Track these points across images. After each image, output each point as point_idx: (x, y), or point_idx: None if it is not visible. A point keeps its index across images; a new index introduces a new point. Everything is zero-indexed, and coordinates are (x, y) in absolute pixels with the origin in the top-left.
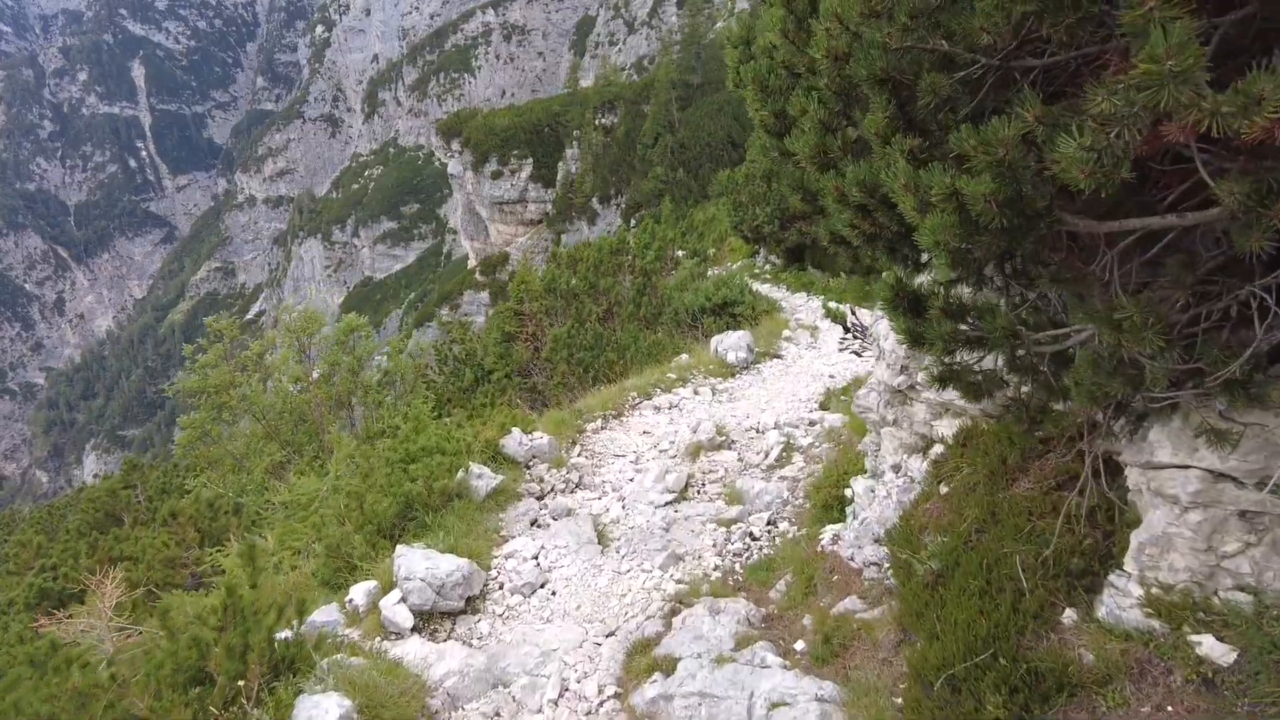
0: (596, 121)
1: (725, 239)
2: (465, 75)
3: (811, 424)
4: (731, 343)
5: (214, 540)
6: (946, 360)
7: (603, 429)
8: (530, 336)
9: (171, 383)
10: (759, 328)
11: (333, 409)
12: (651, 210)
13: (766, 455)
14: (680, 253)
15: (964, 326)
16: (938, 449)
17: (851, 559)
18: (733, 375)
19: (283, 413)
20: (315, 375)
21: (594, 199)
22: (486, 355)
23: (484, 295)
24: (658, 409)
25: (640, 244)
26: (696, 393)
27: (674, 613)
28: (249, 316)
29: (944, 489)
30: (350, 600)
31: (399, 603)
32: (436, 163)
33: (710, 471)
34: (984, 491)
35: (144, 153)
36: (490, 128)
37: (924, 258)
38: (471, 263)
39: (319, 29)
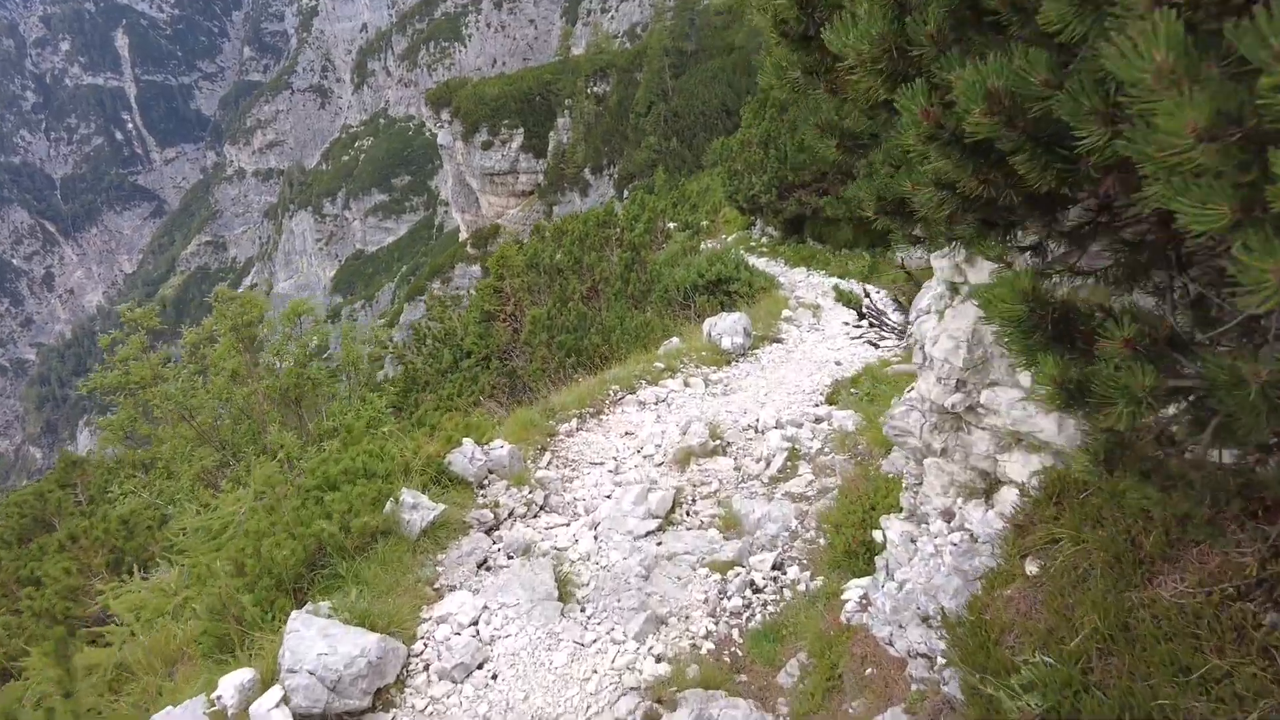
0: (588, 90)
1: (719, 210)
2: (456, 44)
3: (818, 421)
4: (726, 326)
5: (131, 563)
6: (1125, 430)
7: (579, 430)
8: (509, 316)
9: (85, 380)
10: (756, 307)
11: (279, 405)
12: (644, 181)
13: (768, 464)
14: (672, 225)
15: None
16: (1010, 497)
17: (889, 642)
18: (728, 363)
19: (219, 412)
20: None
21: (586, 169)
22: (466, 335)
23: (475, 269)
24: (643, 404)
25: (629, 216)
26: (687, 384)
27: (652, 717)
28: (241, 290)
29: (1031, 567)
30: (218, 697)
31: (277, 707)
32: (427, 133)
33: (702, 484)
34: (1105, 587)
35: (130, 125)
36: (480, 97)
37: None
38: (463, 235)
39: None
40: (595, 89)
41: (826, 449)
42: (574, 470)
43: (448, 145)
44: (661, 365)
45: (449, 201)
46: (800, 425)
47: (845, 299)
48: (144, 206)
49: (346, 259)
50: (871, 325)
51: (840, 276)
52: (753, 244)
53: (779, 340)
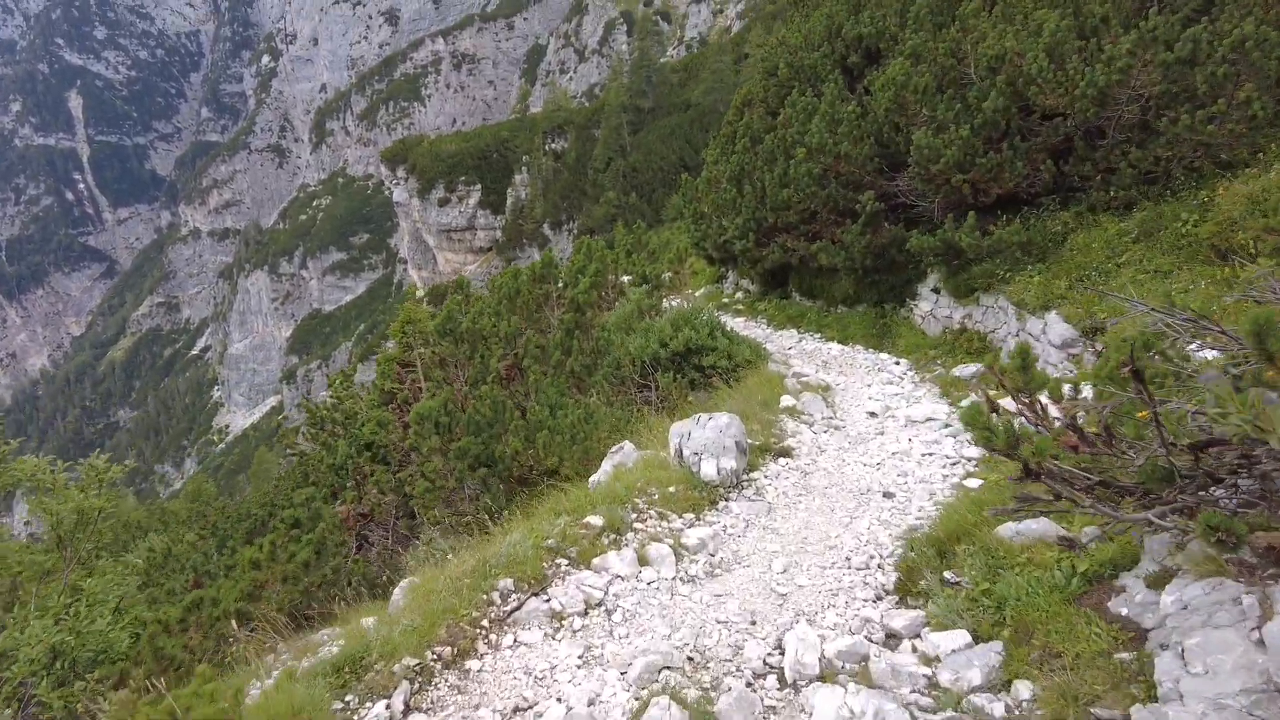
0: (546, 146)
1: (684, 260)
2: (415, 104)
3: (891, 640)
4: (707, 439)
5: None
6: None
7: (426, 687)
8: (403, 405)
9: None
10: (742, 391)
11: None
12: (605, 235)
13: None
14: (626, 279)
15: None
16: None
17: None
18: (712, 504)
19: None
20: None
21: (545, 225)
22: (367, 421)
23: None
24: (558, 620)
25: (574, 268)
26: (644, 561)
27: None
28: (194, 352)
29: None
30: None
31: None
32: (386, 191)
33: None
34: None
35: (82, 185)
36: (436, 154)
37: None
38: (420, 293)
39: (265, 59)
40: (553, 145)
41: None
42: None
43: (403, 202)
44: (600, 520)
45: (406, 259)
46: (864, 657)
47: (975, 423)
48: (94, 267)
49: (303, 318)
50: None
51: (840, 341)
52: (725, 300)
53: (786, 452)
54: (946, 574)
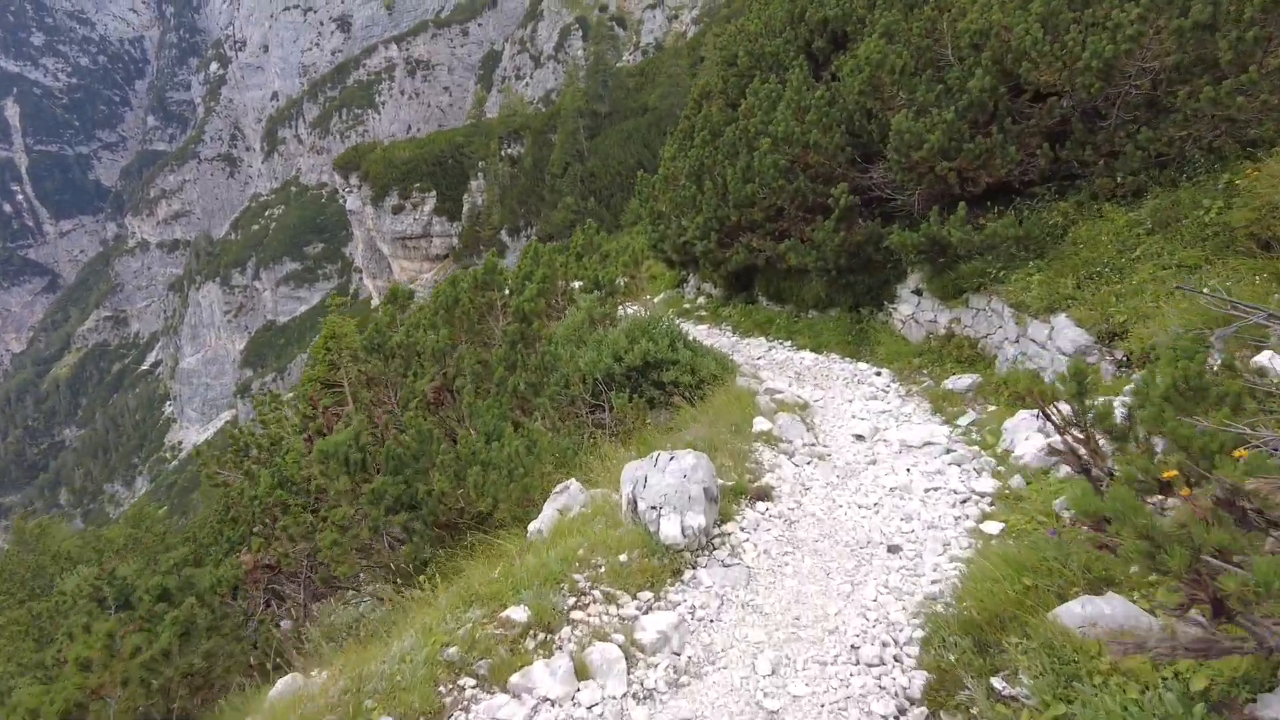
0: (502, 152)
1: (640, 263)
2: (369, 111)
3: None
4: (667, 488)
5: None
6: None
7: None
8: (317, 434)
9: None
10: (708, 409)
11: None
12: (563, 241)
13: None
14: (577, 284)
15: None
16: None
17: None
18: (675, 577)
19: None
20: None
21: (503, 231)
22: (289, 450)
23: None
24: None
25: (520, 274)
26: (582, 677)
27: None
28: (144, 367)
29: None
30: None
31: None
32: (340, 199)
33: None
34: None
35: (20, 196)
36: (390, 160)
37: None
38: (375, 302)
39: (214, 66)
40: (509, 150)
41: None
42: None
43: (356, 210)
44: (523, 614)
45: (361, 268)
46: None
47: (1090, 510)
48: (35, 281)
49: (257, 330)
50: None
51: (813, 349)
52: (687, 306)
53: (765, 493)
54: (994, 681)
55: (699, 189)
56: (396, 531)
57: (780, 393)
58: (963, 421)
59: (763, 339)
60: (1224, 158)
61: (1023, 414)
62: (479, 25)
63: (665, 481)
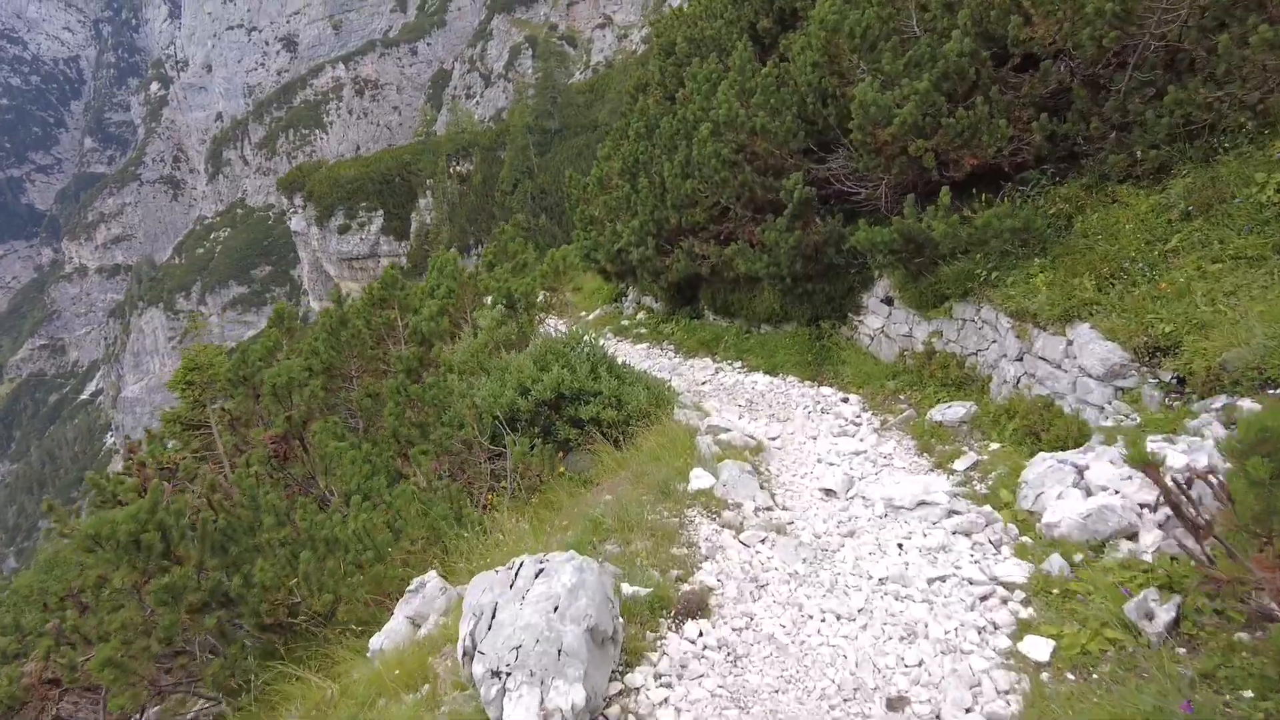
0: (451, 169)
1: (562, 271)
2: (317, 131)
3: None
4: (524, 633)
5: None
6: None
7: None
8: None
9: None
10: (636, 456)
11: None
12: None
13: None
14: (490, 299)
15: None
16: None
17: None
18: None
19: None
20: None
21: (452, 249)
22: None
23: None
24: None
25: (425, 289)
26: None
27: None
28: (84, 397)
29: None
30: None
31: None
32: (286, 220)
33: None
34: None
35: None
36: (335, 180)
37: None
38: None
39: (154, 86)
40: (458, 168)
41: None
42: None
43: (301, 231)
44: None
45: (309, 291)
46: None
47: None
48: None
49: None
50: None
51: (768, 370)
52: (625, 323)
53: (700, 605)
54: None
55: (633, 188)
56: (212, 637)
57: (727, 431)
58: (959, 465)
59: (709, 359)
60: (1273, 122)
61: (1044, 459)
62: (428, 45)
63: (523, 619)
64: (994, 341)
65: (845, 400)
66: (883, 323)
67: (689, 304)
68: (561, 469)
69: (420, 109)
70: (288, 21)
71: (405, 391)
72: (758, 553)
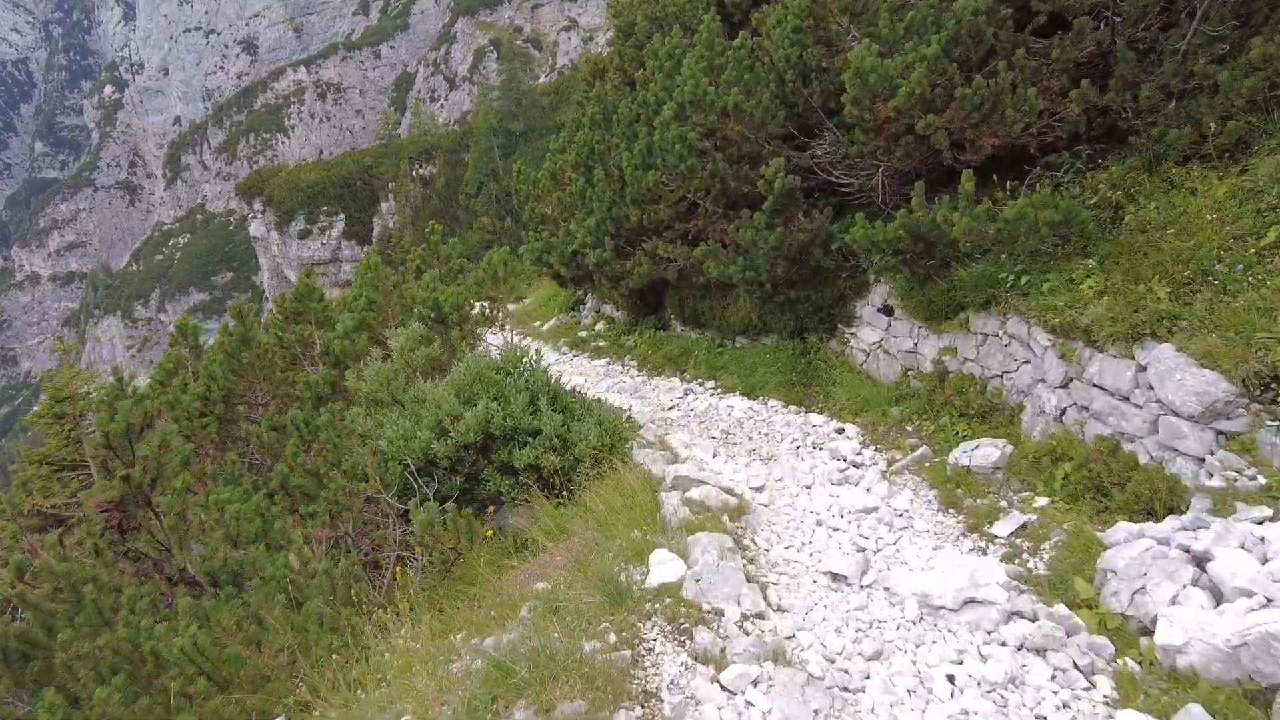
0: (414, 172)
1: (501, 278)
2: (278, 135)
3: None
4: None
5: None
6: None
7: None
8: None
9: None
10: (582, 516)
11: None
12: (479, 264)
13: None
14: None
15: None
16: None
17: None
18: None
19: None
20: None
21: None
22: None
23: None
24: None
25: (345, 300)
26: None
27: None
28: (36, 409)
29: None
30: None
31: None
32: (248, 226)
33: None
34: None
35: None
36: (295, 184)
37: None
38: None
39: (108, 89)
40: (421, 170)
41: None
42: None
43: (261, 236)
44: None
45: (270, 297)
46: None
47: None
48: None
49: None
50: None
51: (745, 392)
52: (583, 335)
53: None
54: None
55: (588, 181)
56: None
57: (699, 484)
58: (1001, 530)
59: (676, 379)
60: None
61: (1133, 535)
62: (391, 48)
63: None
64: (1025, 362)
65: (841, 431)
66: (880, 336)
67: (654, 313)
68: (490, 531)
69: (382, 112)
70: (247, 24)
71: (309, 426)
72: (750, 706)
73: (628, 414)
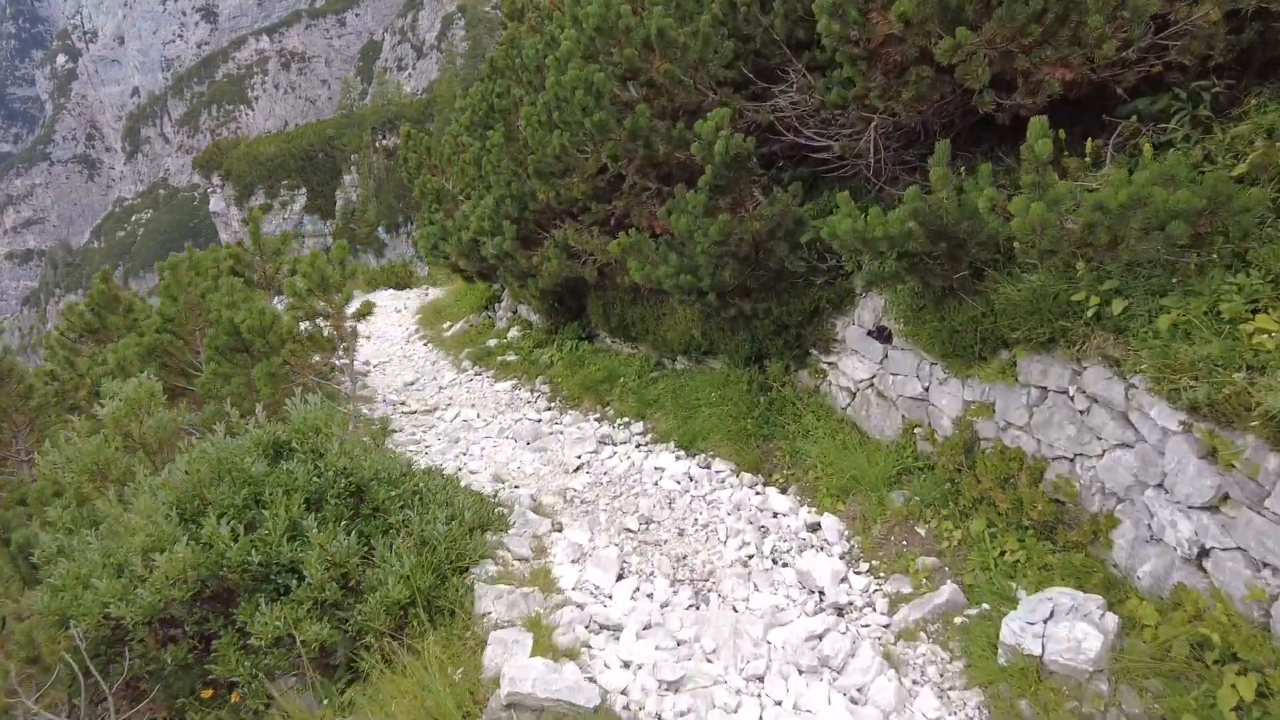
0: (377, 144)
1: (333, 288)
2: (241, 107)
3: None
4: None
5: None
6: None
7: None
8: None
9: None
10: None
11: None
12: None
13: None
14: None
15: None
16: None
17: None
18: None
19: None
20: None
21: (380, 228)
22: None
23: None
24: None
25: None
26: None
27: None
28: None
29: None
30: None
31: None
32: (210, 201)
33: None
34: None
35: None
36: (254, 157)
37: None
38: None
39: (61, 59)
40: (384, 141)
41: None
42: None
43: (220, 212)
44: None
45: None
46: None
47: None
48: None
49: None
50: None
51: (683, 443)
52: (492, 344)
53: None
54: None
55: (484, 147)
56: None
57: (570, 685)
58: None
59: (594, 418)
60: None
61: None
62: (356, 15)
63: None
64: (1121, 446)
65: (815, 529)
66: (873, 372)
67: (577, 318)
68: None
69: (344, 80)
70: None
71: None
72: None
73: (497, 501)
